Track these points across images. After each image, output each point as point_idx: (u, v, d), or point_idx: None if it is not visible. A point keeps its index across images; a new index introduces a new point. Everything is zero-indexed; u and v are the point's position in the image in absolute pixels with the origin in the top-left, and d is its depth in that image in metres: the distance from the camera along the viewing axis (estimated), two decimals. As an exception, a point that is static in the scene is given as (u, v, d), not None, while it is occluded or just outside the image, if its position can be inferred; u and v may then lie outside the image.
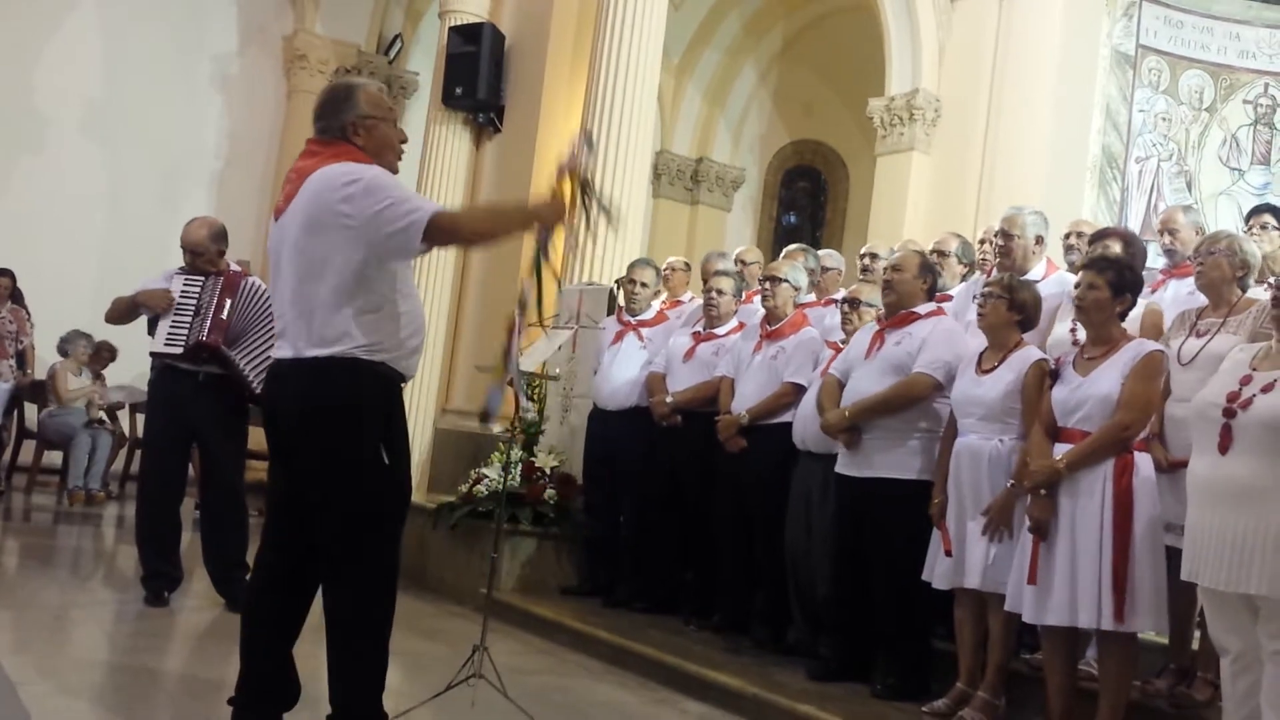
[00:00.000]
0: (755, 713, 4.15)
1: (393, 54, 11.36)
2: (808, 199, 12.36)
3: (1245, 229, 4.83)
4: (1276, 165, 9.13)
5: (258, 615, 3.08)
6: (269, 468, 3.34)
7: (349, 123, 2.98)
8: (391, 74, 11.25)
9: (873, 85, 9.05)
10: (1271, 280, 3.47)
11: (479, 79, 8.09)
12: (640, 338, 5.93)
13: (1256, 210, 4.88)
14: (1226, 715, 3.19)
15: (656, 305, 6.18)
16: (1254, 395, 3.07)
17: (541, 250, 3.13)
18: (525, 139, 8.06)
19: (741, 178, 12.00)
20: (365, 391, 2.87)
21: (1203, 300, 3.97)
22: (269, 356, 3.61)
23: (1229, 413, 3.09)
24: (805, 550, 4.79)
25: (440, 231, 2.83)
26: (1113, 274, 3.78)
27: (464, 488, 6.19)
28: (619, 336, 5.97)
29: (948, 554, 4.02)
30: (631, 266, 6.18)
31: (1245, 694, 3.11)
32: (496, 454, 6.17)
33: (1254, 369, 3.17)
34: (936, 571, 4.07)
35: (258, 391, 4.94)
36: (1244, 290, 3.86)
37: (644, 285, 6.06)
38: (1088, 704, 3.65)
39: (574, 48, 7.95)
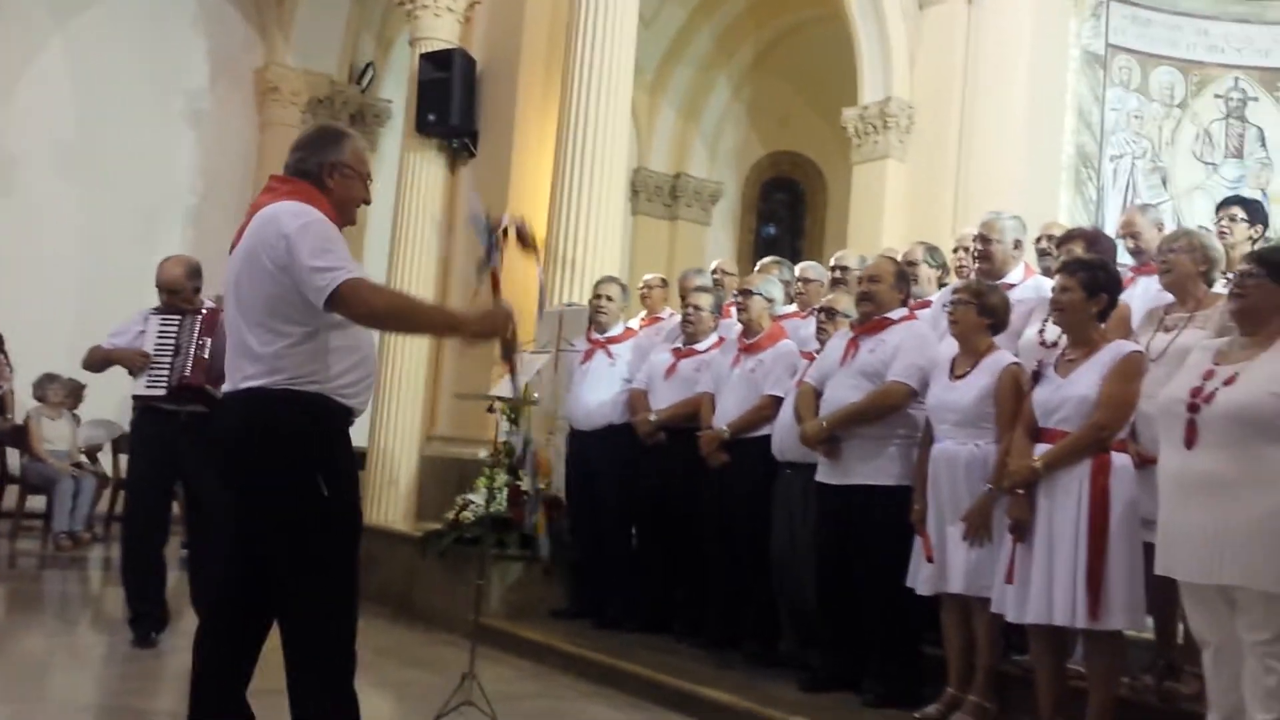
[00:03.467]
0: (747, 727, 4.15)
1: (365, 83, 11.37)
2: (786, 210, 12.42)
3: (1215, 222, 4.85)
4: (1249, 158, 9.19)
5: (212, 646, 3.02)
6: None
7: (327, 164, 2.95)
8: (365, 103, 11.26)
9: (846, 95, 9.10)
10: (1230, 275, 3.49)
11: (451, 105, 8.10)
12: (609, 355, 5.93)
13: (1225, 203, 4.91)
14: (1211, 707, 3.20)
15: (629, 322, 6.18)
16: (1216, 389, 3.11)
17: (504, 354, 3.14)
18: (500, 162, 8.07)
19: (720, 192, 12.04)
20: (297, 421, 2.84)
21: (1171, 296, 3.98)
22: None
23: (1193, 408, 3.12)
24: (791, 561, 4.78)
25: (344, 303, 2.77)
26: (1085, 275, 3.81)
27: (450, 514, 6.17)
28: (588, 355, 5.98)
29: (929, 560, 4.03)
30: (598, 284, 6.20)
31: (1228, 685, 3.13)
32: (482, 479, 6.15)
33: (1217, 364, 3.19)
34: (920, 577, 4.08)
35: None
36: (1210, 285, 3.88)
37: (610, 300, 6.07)
38: (1078, 702, 3.66)
39: (546, 69, 7.97)
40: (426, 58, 8.35)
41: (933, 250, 5.40)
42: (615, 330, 6.07)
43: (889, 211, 8.69)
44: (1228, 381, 3.11)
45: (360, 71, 11.39)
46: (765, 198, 12.32)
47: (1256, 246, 4.51)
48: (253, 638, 3.00)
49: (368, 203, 3.08)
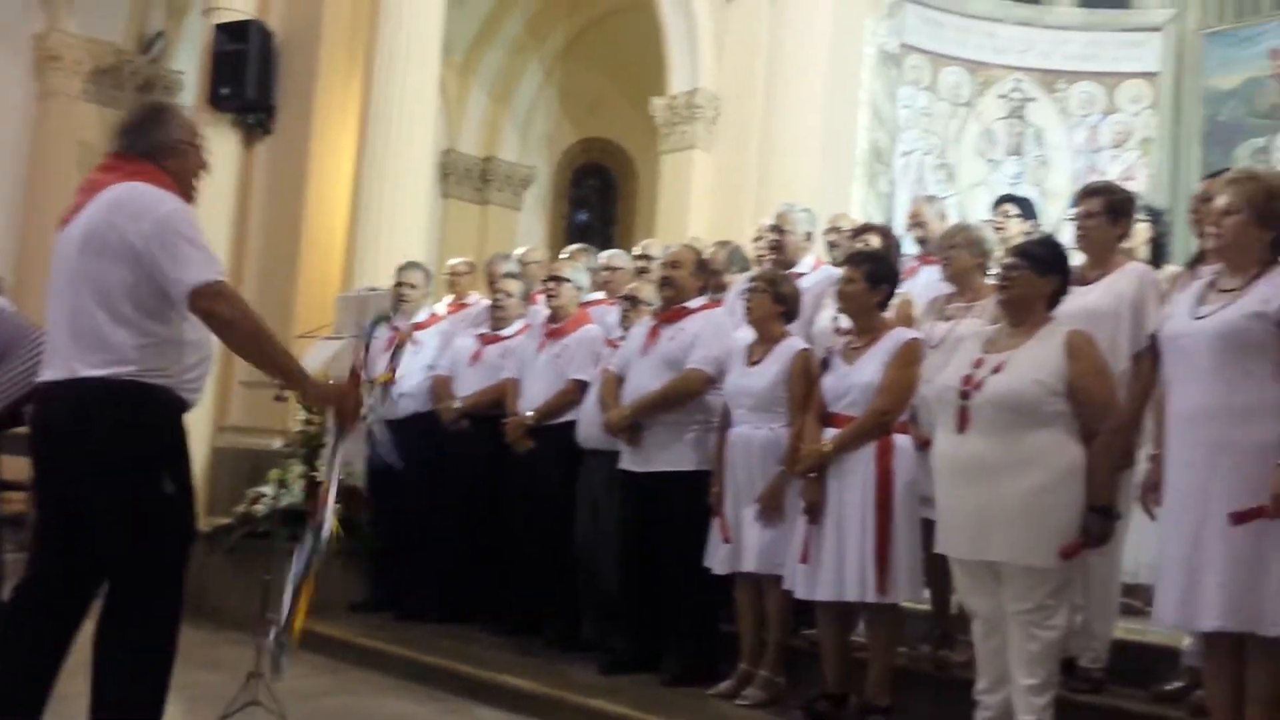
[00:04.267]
0: (547, 712, 4.17)
1: (154, 53, 10.73)
2: (598, 197, 12.46)
3: (991, 217, 5.15)
4: (1028, 156, 9.80)
5: (14, 644, 2.86)
6: (33, 496, 3.12)
7: (161, 144, 2.86)
8: (153, 74, 10.63)
9: (655, 84, 9.19)
10: (998, 268, 3.71)
11: (247, 78, 7.73)
12: (413, 342, 5.82)
13: (1000, 200, 5.23)
14: (979, 674, 3.40)
15: (434, 308, 6.08)
16: (985, 377, 3.29)
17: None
18: (299, 140, 7.77)
19: (531, 176, 11.97)
20: (143, 414, 2.74)
21: (951, 287, 4.20)
22: (30, 383, 3.36)
23: (964, 394, 3.30)
24: (594, 546, 4.82)
25: (208, 304, 2.71)
26: (868, 267, 3.99)
27: (241, 508, 5.94)
28: (390, 342, 5.83)
29: (726, 540, 4.14)
30: (401, 270, 6.08)
31: (994, 653, 3.34)
32: (275, 470, 5.93)
33: (986, 352, 3.38)
34: (716, 558, 4.19)
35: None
36: (985, 277, 4.12)
37: (413, 288, 5.97)
38: (861, 673, 3.84)
39: (349, 45, 7.72)
40: (221, 29, 7.97)
41: (734, 252, 5.53)
42: (420, 316, 5.96)
43: (696, 201, 8.83)
44: (996, 369, 3.30)
45: (149, 41, 10.74)
46: (577, 184, 12.32)
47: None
48: (57, 640, 2.86)
49: (207, 169, 3.02)
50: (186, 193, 2.91)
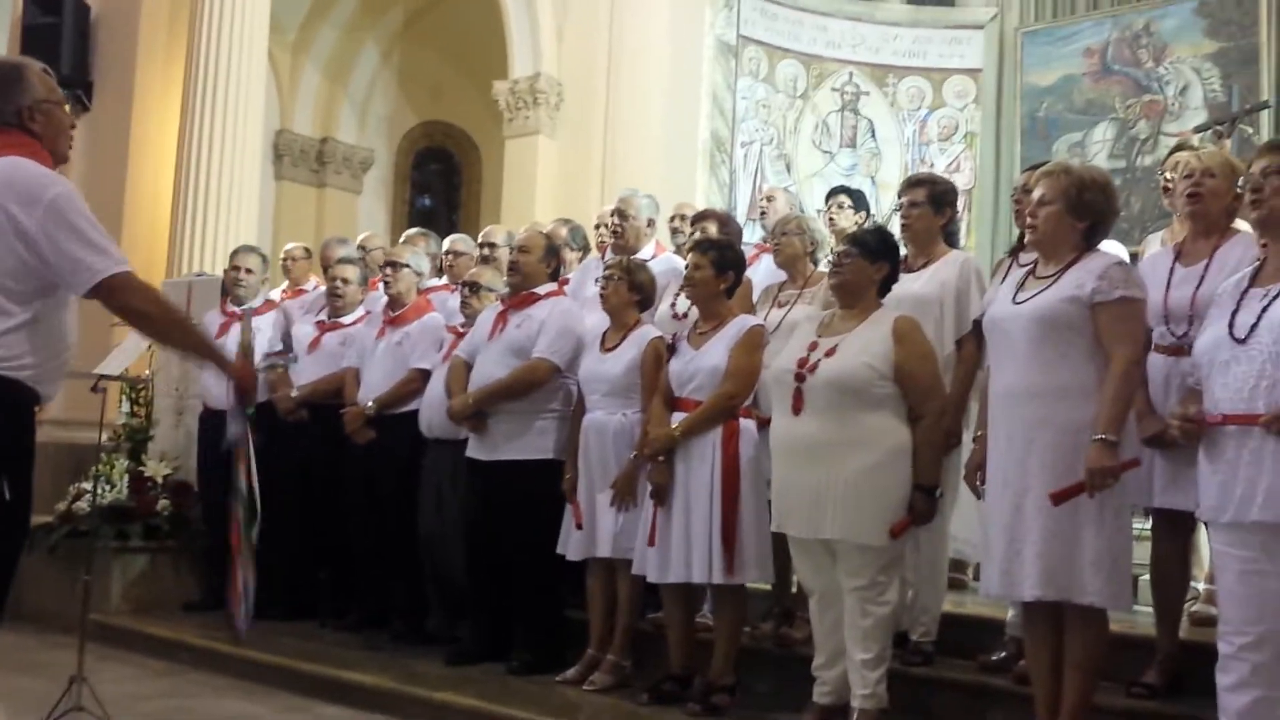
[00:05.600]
0: (393, 707, 4.09)
1: (-43, 21, 10.02)
2: (441, 181, 12.26)
3: (825, 208, 5.30)
4: (861, 148, 10.11)
5: None
6: None
7: (24, 108, 2.64)
8: (-42, 44, 9.92)
9: (497, 67, 9.09)
10: (830, 257, 3.83)
11: (61, 53, 7.32)
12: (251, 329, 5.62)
13: (833, 192, 5.37)
14: (817, 648, 3.53)
15: (270, 294, 5.89)
16: (819, 360, 3.40)
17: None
18: (119, 117, 7.40)
19: (371, 159, 11.67)
20: None
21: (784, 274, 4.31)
22: None
23: (799, 377, 3.42)
24: (440, 537, 4.76)
25: (114, 295, 2.57)
26: (716, 254, 4.05)
27: (62, 506, 5.62)
28: (224, 329, 5.64)
29: (579, 527, 4.14)
30: (235, 254, 5.88)
31: (831, 629, 3.47)
32: (99, 465, 5.63)
33: (820, 336, 3.50)
34: (570, 544, 4.19)
35: None
36: (816, 264, 4.26)
37: (249, 272, 5.78)
38: (706, 654, 3.91)
39: (170, 19, 7.39)
40: (33, 0, 7.53)
41: (575, 231, 5.54)
42: (255, 303, 5.76)
43: (541, 187, 8.81)
44: (829, 353, 3.43)
45: (-49, 9, 10.02)
46: (419, 167, 12.09)
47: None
48: None
49: (73, 126, 2.82)
50: (62, 154, 2.74)
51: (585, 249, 5.50)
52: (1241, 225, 3.25)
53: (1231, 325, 2.60)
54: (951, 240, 4.06)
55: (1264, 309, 2.55)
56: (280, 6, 7.33)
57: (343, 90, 11.39)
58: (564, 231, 5.39)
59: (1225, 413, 2.58)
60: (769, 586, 4.20)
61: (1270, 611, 2.51)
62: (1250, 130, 7.85)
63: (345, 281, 5.52)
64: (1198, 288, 3.22)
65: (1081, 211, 3.12)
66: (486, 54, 9.61)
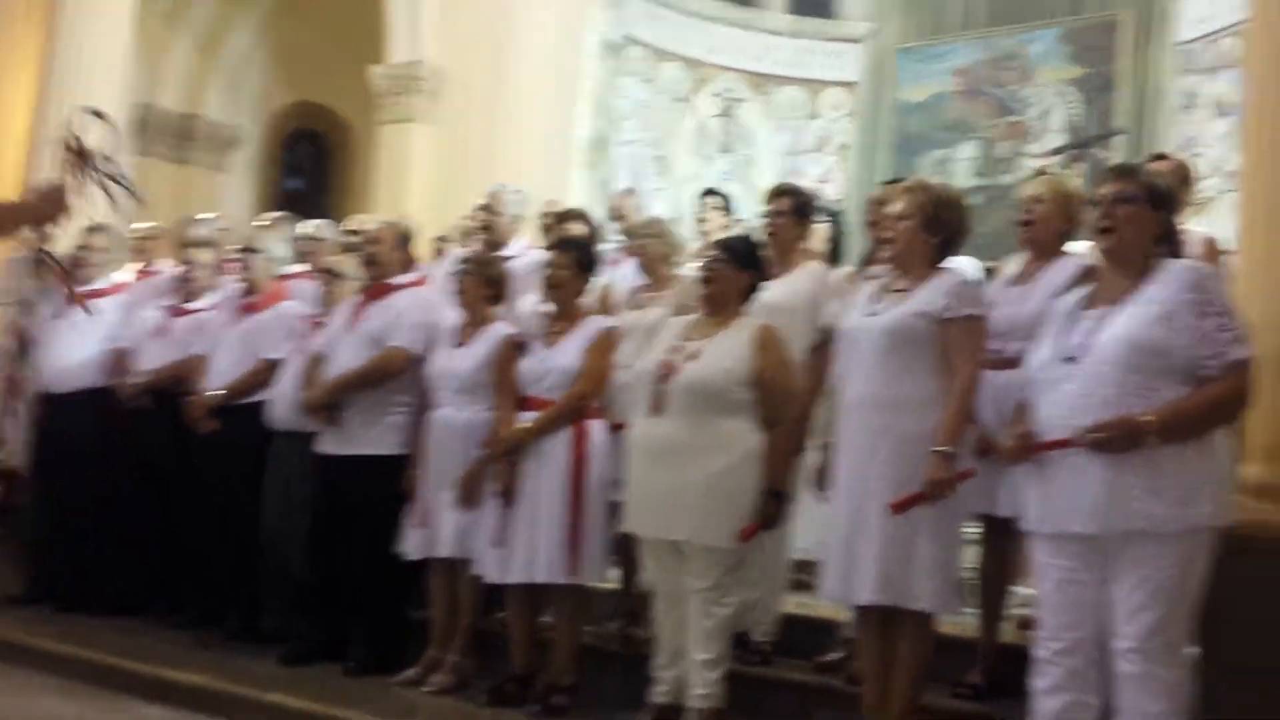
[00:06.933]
0: (222, 708, 3.95)
1: None
2: (313, 164, 11.96)
3: (698, 210, 5.34)
4: (738, 154, 10.22)
5: None
6: None
7: None
8: None
9: (375, 51, 8.90)
10: (701, 260, 3.84)
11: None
12: (89, 310, 5.37)
13: (705, 192, 5.43)
14: (658, 649, 3.54)
15: (119, 274, 5.64)
16: (681, 363, 3.42)
17: (44, 255, 2.77)
18: (-35, 82, 7.00)
19: (238, 137, 11.31)
20: None
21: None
22: None
23: (661, 379, 3.42)
24: (283, 532, 4.61)
25: None
26: (575, 254, 4.03)
27: None
28: (66, 312, 5.38)
29: (421, 525, 4.06)
30: (83, 232, 5.58)
31: (674, 629, 3.48)
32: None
33: (684, 339, 3.50)
34: (411, 543, 4.11)
35: None
36: (674, 267, 4.28)
37: (97, 252, 5.52)
38: (550, 653, 3.88)
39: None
40: None
41: (467, 234, 5.44)
42: (101, 283, 5.49)
43: (416, 175, 8.65)
44: (691, 357, 3.44)
45: None
46: (290, 148, 11.77)
47: (730, 233, 5.02)
48: None
49: None
50: None
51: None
52: (1071, 249, 3.37)
53: (1062, 345, 2.67)
54: (838, 253, 4.09)
55: (1093, 331, 2.63)
56: (153, -24, 7.03)
57: (213, 65, 11.02)
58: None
59: (1052, 432, 2.63)
60: (616, 585, 4.20)
61: (1085, 619, 2.60)
62: (1106, 154, 8.19)
63: (198, 265, 5.31)
64: (1023, 306, 3.32)
65: (936, 228, 3.20)
66: (365, 36, 9.38)
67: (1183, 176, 4.02)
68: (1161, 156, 4.44)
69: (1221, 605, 2.67)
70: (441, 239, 5.83)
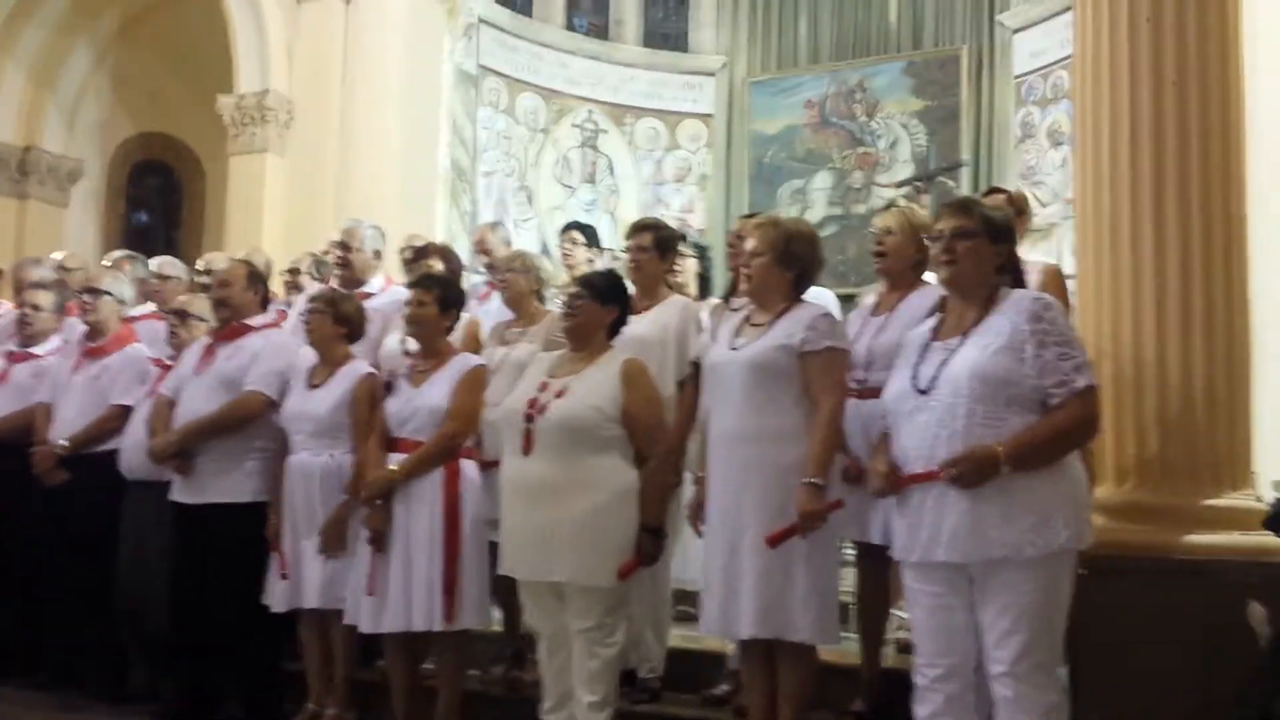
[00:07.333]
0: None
1: None
2: (161, 197, 11.50)
3: (560, 243, 5.33)
4: (600, 184, 10.29)
5: None
6: None
7: None
8: None
9: (223, 80, 8.64)
10: (563, 295, 3.84)
11: None
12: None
13: (567, 227, 5.42)
14: (545, 693, 3.49)
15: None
16: (549, 401, 3.40)
17: None
18: None
19: (80, 170, 10.79)
20: None
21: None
22: None
23: (529, 417, 3.40)
24: (142, 587, 4.39)
25: None
26: (439, 291, 3.95)
27: None
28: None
29: (284, 576, 3.93)
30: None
31: (559, 672, 3.44)
32: None
33: (551, 377, 3.48)
34: (275, 595, 3.96)
35: None
36: (542, 301, 4.26)
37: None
38: (433, 701, 3.78)
39: None
40: None
41: (320, 263, 5.31)
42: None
43: (269, 208, 8.44)
44: (559, 394, 3.42)
45: None
46: (136, 181, 11.28)
47: (594, 267, 5.04)
48: None
49: None
50: None
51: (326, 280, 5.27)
52: (930, 278, 3.48)
53: (915, 377, 2.74)
54: (706, 286, 4.12)
55: (943, 362, 2.70)
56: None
57: (50, 95, 10.49)
58: (307, 261, 5.14)
59: (911, 463, 2.70)
60: (499, 628, 4.13)
61: (958, 645, 2.66)
62: (953, 184, 8.55)
63: (38, 308, 5.04)
64: (883, 336, 3.41)
65: (790, 262, 3.26)
66: (211, 65, 9.11)
67: (1019, 208, 4.20)
68: (997, 190, 4.63)
69: (1079, 627, 2.77)
70: (293, 270, 5.68)
